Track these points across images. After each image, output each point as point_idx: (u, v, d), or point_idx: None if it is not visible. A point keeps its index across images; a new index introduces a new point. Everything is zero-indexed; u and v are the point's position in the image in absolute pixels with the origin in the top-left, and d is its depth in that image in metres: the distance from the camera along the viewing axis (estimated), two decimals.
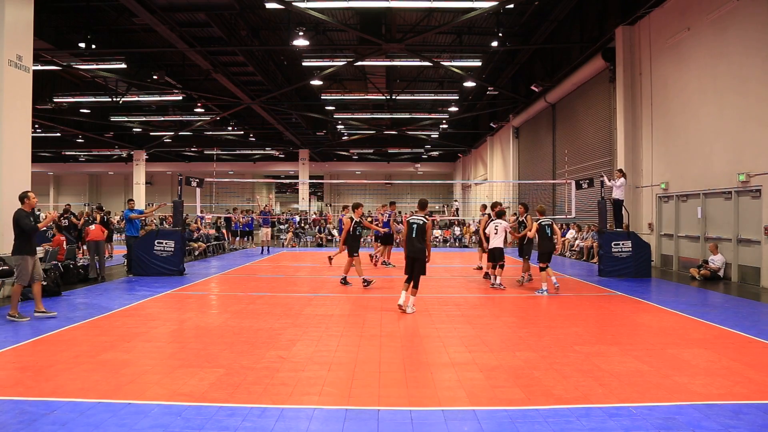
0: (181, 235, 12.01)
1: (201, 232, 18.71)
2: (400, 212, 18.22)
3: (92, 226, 11.53)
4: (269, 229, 19.07)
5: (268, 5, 13.45)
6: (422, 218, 7.67)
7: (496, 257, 9.93)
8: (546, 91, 20.26)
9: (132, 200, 13.76)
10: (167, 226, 17.45)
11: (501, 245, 9.92)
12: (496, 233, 9.96)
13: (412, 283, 7.60)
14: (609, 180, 12.79)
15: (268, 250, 18.74)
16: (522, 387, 4.35)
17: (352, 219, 10.21)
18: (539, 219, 9.97)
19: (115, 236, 19.81)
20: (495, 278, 9.98)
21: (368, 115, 27.69)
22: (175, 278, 11.24)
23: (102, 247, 11.30)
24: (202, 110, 26.67)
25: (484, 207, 15.15)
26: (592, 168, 17.51)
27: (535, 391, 4.25)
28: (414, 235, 7.55)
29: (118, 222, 23.84)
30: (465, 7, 14.30)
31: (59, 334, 6.15)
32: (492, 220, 10.24)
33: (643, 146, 14.39)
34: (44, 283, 8.80)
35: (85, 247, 14.94)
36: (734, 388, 4.36)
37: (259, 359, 5.11)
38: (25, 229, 6.99)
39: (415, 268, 7.57)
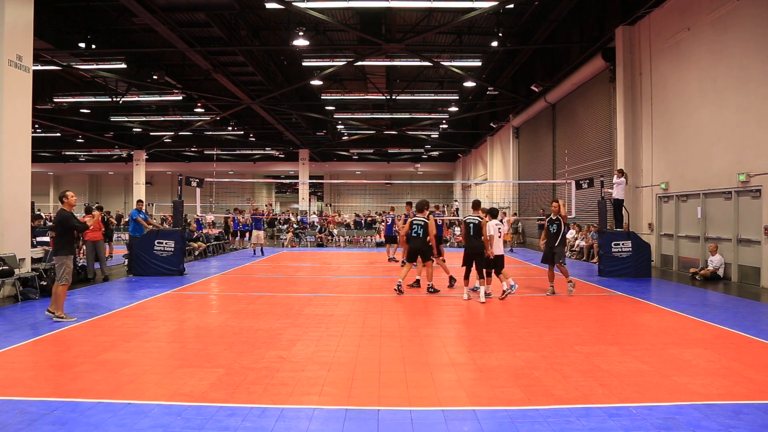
0: (181, 235, 12.01)
1: (202, 231, 18.71)
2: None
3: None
4: (261, 232, 18.92)
5: (268, 5, 13.45)
6: (477, 217, 8.61)
7: (497, 265, 8.77)
8: (546, 91, 20.26)
9: (141, 201, 13.61)
10: (167, 226, 17.43)
11: (502, 251, 8.88)
12: (499, 236, 8.78)
13: (478, 276, 8.73)
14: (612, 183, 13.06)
15: (261, 251, 18.52)
16: (522, 387, 4.35)
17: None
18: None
19: (115, 236, 19.77)
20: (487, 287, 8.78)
21: (368, 115, 27.70)
22: (175, 278, 11.23)
23: (101, 247, 11.27)
24: (202, 110, 26.68)
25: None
26: (592, 168, 17.50)
27: (535, 391, 4.25)
28: (472, 234, 8.51)
29: (118, 221, 23.80)
30: (465, 7, 14.30)
31: (59, 334, 6.15)
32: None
33: (643, 146, 14.39)
34: (44, 284, 8.84)
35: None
36: (734, 388, 4.36)
37: (259, 359, 5.11)
38: (76, 226, 7.17)
39: (477, 263, 8.57)
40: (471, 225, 8.55)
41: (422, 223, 9.20)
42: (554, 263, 9.14)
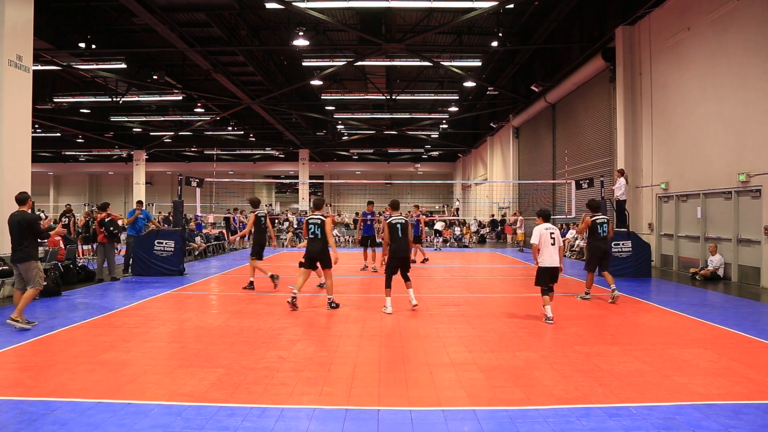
0: (181, 235, 12.01)
1: (202, 231, 18.72)
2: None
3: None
4: None
5: (268, 5, 13.45)
6: (404, 218, 7.92)
7: (548, 279, 7.06)
8: (546, 91, 20.27)
9: (141, 202, 13.42)
10: (167, 227, 17.42)
11: (557, 263, 7.02)
12: (553, 244, 6.98)
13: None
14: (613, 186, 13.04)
15: None
16: (522, 387, 4.35)
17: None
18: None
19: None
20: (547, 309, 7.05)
21: (368, 115, 27.71)
22: (175, 278, 11.23)
23: (109, 248, 11.23)
24: (202, 110, 26.68)
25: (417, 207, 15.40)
26: (592, 168, 17.51)
27: (535, 391, 4.25)
28: (400, 235, 7.73)
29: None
30: (465, 7, 14.31)
31: (59, 334, 6.15)
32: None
33: (643, 146, 14.39)
34: (44, 284, 8.83)
35: (86, 247, 14.95)
36: (734, 388, 4.36)
37: (259, 359, 5.11)
38: (41, 233, 6.62)
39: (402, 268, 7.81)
40: (398, 226, 7.74)
41: (319, 221, 7.87)
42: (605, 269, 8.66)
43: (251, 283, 9.73)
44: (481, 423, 3.64)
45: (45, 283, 6.76)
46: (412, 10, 16.91)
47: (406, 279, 7.82)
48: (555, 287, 7.22)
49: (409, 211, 15.79)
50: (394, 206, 8.26)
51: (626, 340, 6.04)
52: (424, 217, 22.04)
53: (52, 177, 45.61)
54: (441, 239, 22.48)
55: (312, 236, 7.91)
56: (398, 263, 7.70)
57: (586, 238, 8.86)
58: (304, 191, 37.37)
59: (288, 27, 16.77)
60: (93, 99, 23.82)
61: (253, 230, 9.84)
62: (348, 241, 24.37)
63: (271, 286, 9.73)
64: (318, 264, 8.10)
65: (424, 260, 15.11)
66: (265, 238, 9.84)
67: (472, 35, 19.34)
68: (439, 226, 22.79)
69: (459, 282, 11.26)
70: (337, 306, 7.89)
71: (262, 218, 9.61)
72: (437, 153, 41.53)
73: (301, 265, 8.28)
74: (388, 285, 7.69)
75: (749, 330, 6.43)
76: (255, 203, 10.09)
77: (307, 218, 8.11)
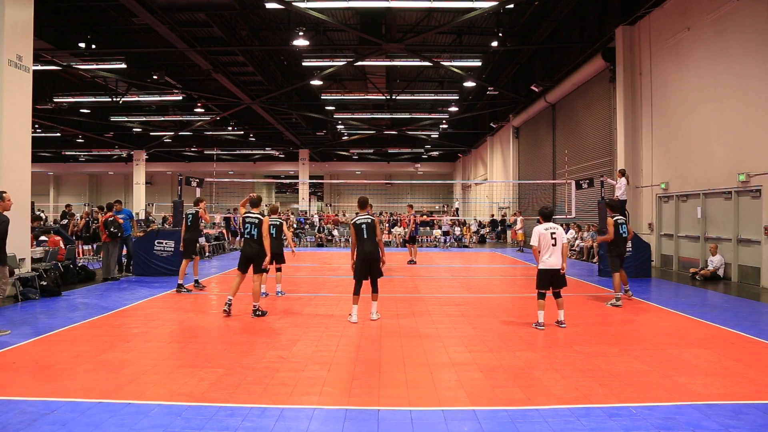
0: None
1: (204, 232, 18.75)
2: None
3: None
4: None
5: (268, 5, 13.46)
6: (370, 217, 7.11)
7: (553, 282, 6.59)
8: (546, 91, 20.26)
9: (119, 202, 13.37)
10: (167, 227, 17.43)
11: (559, 265, 6.54)
12: (554, 245, 6.53)
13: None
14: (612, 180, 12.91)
15: None
16: (522, 387, 4.35)
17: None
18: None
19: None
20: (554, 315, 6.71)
21: (368, 115, 27.69)
22: (175, 278, 11.20)
23: (110, 247, 11.23)
24: (202, 110, 26.67)
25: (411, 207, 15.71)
26: (592, 168, 17.51)
27: (535, 391, 4.25)
28: (366, 236, 6.97)
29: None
30: (465, 7, 14.31)
31: (59, 334, 6.15)
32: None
33: (643, 146, 14.39)
34: (44, 284, 8.83)
35: (86, 247, 14.97)
36: (734, 388, 4.36)
37: (259, 359, 5.11)
38: (4, 240, 6.17)
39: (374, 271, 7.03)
40: (363, 226, 6.99)
41: (256, 221, 7.32)
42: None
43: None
44: (481, 423, 3.64)
45: (5, 295, 6.34)
46: (412, 10, 16.91)
47: (374, 289, 7.07)
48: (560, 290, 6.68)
49: (380, 213, 15.79)
50: (361, 204, 7.26)
51: (626, 340, 6.04)
52: (422, 217, 22.14)
53: (52, 177, 45.60)
54: (447, 238, 22.52)
55: (248, 236, 7.36)
56: (365, 266, 6.95)
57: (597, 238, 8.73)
58: (304, 191, 37.38)
59: (288, 27, 16.77)
60: (93, 99, 23.80)
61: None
62: (349, 240, 24.37)
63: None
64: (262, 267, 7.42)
65: (411, 262, 14.77)
66: (194, 235, 9.71)
67: (472, 35, 19.33)
68: (446, 227, 22.84)
69: (459, 282, 11.26)
70: (264, 314, 7.27)
71: (189, 216, 9.56)
72: (437, 153, 41.51)
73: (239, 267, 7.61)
74: (356, 291, 6.93)
75: (749, 330, 6.43)
76: (194, 202, 10.07)
77: (243, 216, 7.54)
